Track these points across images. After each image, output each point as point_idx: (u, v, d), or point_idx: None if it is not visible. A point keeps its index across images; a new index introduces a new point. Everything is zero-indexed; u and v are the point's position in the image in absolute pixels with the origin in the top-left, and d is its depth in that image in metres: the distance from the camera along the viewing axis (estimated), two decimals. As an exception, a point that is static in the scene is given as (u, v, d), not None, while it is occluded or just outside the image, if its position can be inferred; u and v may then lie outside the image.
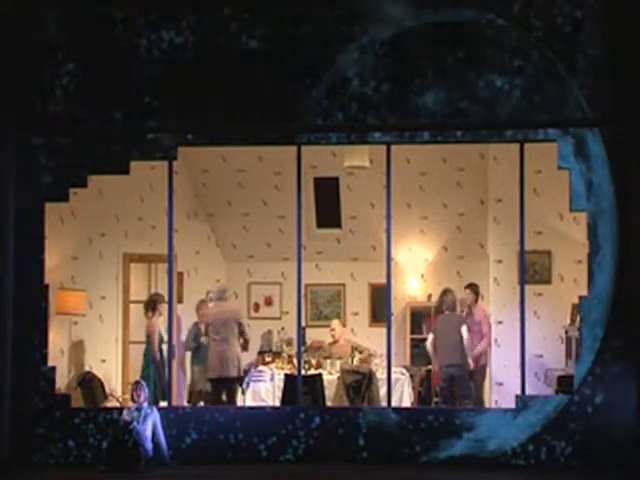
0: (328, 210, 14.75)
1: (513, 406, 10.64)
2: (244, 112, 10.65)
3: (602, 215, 10.38)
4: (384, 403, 11.46)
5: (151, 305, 12.76)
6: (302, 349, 11.56)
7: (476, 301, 13.24)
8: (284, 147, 11.25)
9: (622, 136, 10.27)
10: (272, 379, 12.45)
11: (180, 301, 13.52)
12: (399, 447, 10.53)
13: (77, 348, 13.01)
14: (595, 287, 10.38)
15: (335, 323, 13.79)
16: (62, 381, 12.12)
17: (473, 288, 13.24)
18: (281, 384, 12.19)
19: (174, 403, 11.59)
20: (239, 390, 12.30)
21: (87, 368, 12.96)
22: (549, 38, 10.42)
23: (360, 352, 13.07)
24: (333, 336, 13.57)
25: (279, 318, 14.93)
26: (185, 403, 12.86)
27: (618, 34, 10.28)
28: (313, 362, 12.94)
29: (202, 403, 12.53)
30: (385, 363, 11.25)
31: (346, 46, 10.56)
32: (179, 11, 10.65)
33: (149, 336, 12.59)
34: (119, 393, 12.95)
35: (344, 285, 15.17)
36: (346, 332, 13.99)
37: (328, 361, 12.90)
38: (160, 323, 12.44)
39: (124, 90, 10.69)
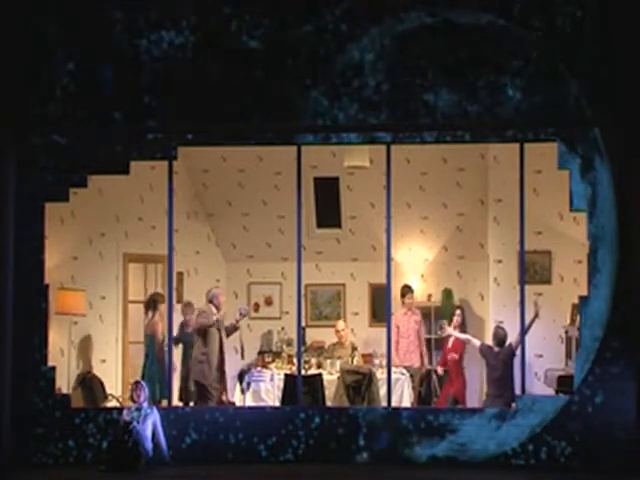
0: (328, 210, 14.74)
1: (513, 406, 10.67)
2: (244, 112, 10.66)
3: (604, 238, 10.37)
4: (384, 403, 11.46)
5: (151, 305, 12.78)
6: (302, 349, 11.56)
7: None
8: (284, 147, 11.25)
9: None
10: (272, 379, 12.45)
11: (180, 301, 13.52)
12: (399, 447, 10.54)
13: (82, 347, 13.01)
14: (590, 308, 10.39)
15: (341, 324, 13.69)
16: (62, 381, 12.10)
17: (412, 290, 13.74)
18: (281, 384, 12.19)
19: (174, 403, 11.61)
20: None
21: (81, 369, 12.95)
22: (549, 38, 10.43)
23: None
24: (340, 337, 13.51)
25: (279, 318, 14.92)
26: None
27: (618, 34, 10.29)
28: (313, 362, 12.94)
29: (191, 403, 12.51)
30: (385, 363, 11.27)
31: (346, 46, 10.56)
32: (179, 11, 10.66)
33: (152, 336, 12.59)
34: (119, 393, 12.94)
35: (344, 285, 15.16)
36: (349, 334, 13.95)
37: (328, 361, 12.90)
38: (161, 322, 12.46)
39: (124, 90, 10.70)
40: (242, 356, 12.56)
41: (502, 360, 11.63)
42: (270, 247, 14.83)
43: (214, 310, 12.11)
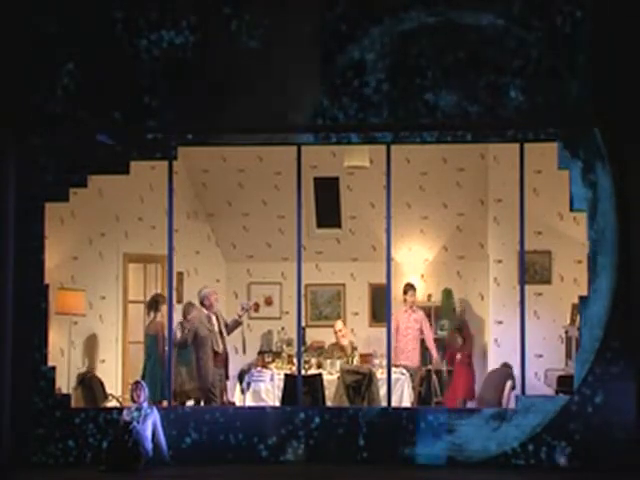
0: (328, 210, 14.74)
1: (513, 406, 10.67)
2: (244, 112, 10.65)
3: (604, 241, 10.36)
4: (384, 403, 11.46)
5: (153, 305, 12.79)
6: (302, 349, 11.56)
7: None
8: (284, 147, 11.25)
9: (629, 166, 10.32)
10: (272, 379, 12.45)
11: (180, 301, 13.52)
12: (399, 447, 10.53)
13: (87, 346, 13.02)
14: (590, 311, 10.38)
15: (339, 324, 13.65)
16: (62, 381, 12.10)
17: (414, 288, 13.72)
18: (281, 384, 12.19)
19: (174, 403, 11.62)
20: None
21: (86, 367, 12.96)
22: (549, 38, 10.42)
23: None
24: (338, 338, 13.48)
25: (279, 318, 14.93)
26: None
27: (618, 34, 10.28)
28: (313, 362, 12.94)
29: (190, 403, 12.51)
30: (385, 363, 11.27)
31: (346, 46, 10.56)
32: (179, 11, 10.65)
33: (155, 336, 12.60)
34: (119, 393, 12.94)
35: (344, 285, 15.17)
36: (349, 334, 13.95)
37: (328, 361, 12.90)
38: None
39: (124, 90, 10.69)
40: (244, 351, 12.57)
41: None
42: (270, 247, 14.84)
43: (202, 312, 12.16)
